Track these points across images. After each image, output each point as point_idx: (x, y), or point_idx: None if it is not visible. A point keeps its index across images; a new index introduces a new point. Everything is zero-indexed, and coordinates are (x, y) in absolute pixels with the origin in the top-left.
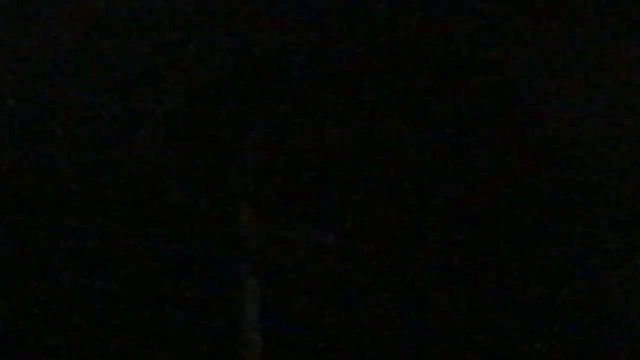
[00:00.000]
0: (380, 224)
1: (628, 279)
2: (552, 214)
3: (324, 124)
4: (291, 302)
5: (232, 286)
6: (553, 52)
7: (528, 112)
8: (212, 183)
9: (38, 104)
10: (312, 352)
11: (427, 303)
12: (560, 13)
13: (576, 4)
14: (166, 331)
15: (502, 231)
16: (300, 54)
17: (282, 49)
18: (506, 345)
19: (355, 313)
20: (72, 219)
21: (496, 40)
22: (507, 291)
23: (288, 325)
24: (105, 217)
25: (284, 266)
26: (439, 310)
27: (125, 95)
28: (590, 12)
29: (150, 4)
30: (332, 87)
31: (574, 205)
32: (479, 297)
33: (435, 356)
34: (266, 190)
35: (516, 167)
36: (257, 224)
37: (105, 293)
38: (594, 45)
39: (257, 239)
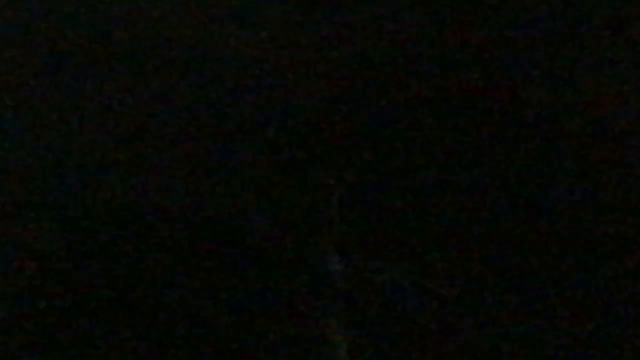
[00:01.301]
0: (468, 267)
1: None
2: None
3: (411, 169)
4: (380, 347)
5: (321, 332)
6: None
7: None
8: (300, 230)
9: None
10: None
11: (517, 348)
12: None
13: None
14: None
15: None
16: (381, 102)
17: (363, 97)
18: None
19: (442, 356)
20: (162, 257)
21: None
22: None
23: None
24: (190, 264)
25: (372, 311)
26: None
27: (211, 138)
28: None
29: (232, 46)
30: (419, 133)
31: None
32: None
33: None
34: (353, 235)
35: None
36: (345, 269)
37: (197, 336)
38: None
39: (345, 284)
